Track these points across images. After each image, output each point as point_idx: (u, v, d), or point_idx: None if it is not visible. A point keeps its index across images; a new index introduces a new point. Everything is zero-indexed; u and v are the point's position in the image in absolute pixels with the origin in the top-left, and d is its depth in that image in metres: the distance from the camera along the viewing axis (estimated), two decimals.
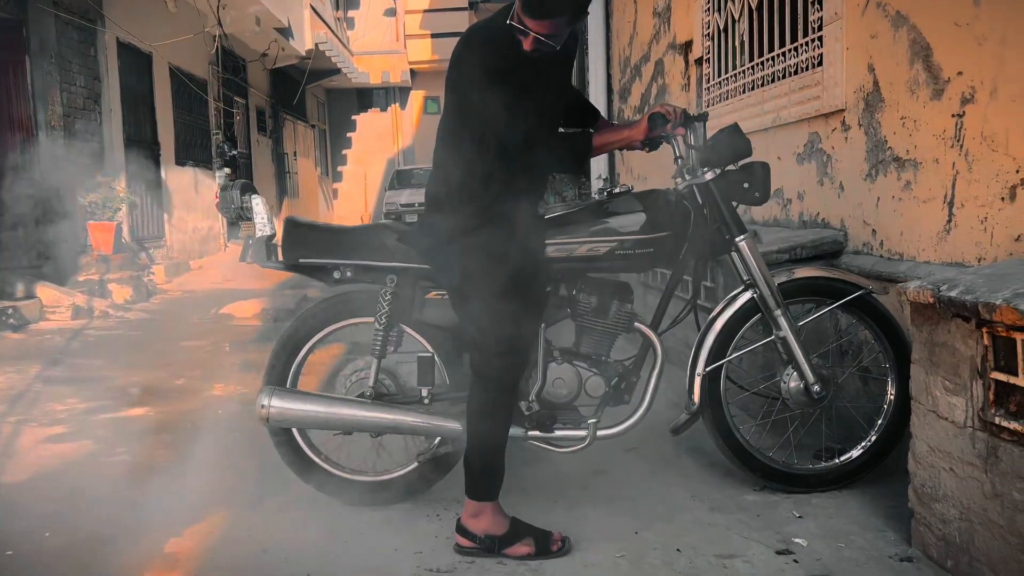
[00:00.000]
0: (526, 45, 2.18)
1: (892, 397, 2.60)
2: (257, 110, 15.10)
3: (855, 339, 2.89)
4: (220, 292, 8.15)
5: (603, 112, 4.06)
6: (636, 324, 2.52)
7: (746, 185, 2.49)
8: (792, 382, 2.56)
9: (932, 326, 2.08)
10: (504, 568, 2.23)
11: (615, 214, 2.45)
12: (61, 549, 2.38)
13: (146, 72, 9.99)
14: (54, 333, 6.23)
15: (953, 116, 2.53)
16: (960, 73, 2.49)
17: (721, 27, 4.48)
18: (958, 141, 2.51)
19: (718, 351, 2.57)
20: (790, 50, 3.66)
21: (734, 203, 2.51)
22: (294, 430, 2.59)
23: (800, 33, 3.56)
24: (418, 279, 2.49)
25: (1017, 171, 2.28)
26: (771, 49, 3.86)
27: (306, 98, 18.65)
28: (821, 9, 3.34)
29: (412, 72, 21.53)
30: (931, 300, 2.01)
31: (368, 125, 22.23)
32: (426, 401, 2.52)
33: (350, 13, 20.23)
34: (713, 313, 2.62)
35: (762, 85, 3.96)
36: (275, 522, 2.53)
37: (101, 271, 7.81)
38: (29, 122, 7.65)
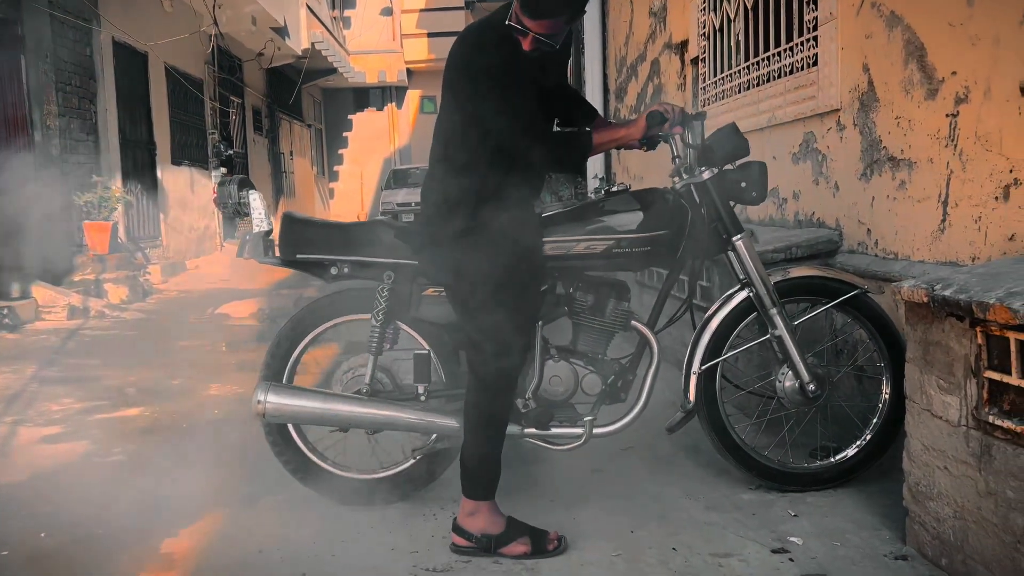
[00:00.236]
0: (525, 45, 2.18)
1: (887, 396, 2.60)
2: (253, 109, 15.07)
3: (850, 338, 2.89)
4: (216, 292, 8.14)
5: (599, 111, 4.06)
6: (633, 322, 2.52)
7: (743, 185, 2.50)
8: (787, 381, 2.56)
9: (926, 325, 2.09)
10: (500, 567, 2.23)
11: (612, 212, 2.45)
12: (57, 549, 2.38)
13: (142, 71, 9.96)
14: (50, 333, 6.21)
15: (947, 116, 2.54)
16: (954, 73, 2.50)
17: (717, 27, 4.49)
18: (952, 141, 2.52)
19: (714, 350, 2.58)
20: (785, 50, 3.66)
21: (731, 202, 2.52)
22: (291, 427, 2.60)
23: (795, 33, 3.57)
24: (415, 276, 2.49)
25: (1011, 171, 2.29)
26: (766, 49, 3.87)
27: (302, 97, 18.60)
28: (816, 9, 3.35)
29: (408, 71, 21.51)
30: (925, 299, 2.02)
31: (364, 124, 22.18)
32: (422, 398, 2.52)
33: (346, 12, 20.19)
34: (709, 312, 2.62)
35: (757, 85, 3.97)
36: (271, 522, 2.53)
37: (97, 271, 7.78)
38: (24, 122, 7.62)
